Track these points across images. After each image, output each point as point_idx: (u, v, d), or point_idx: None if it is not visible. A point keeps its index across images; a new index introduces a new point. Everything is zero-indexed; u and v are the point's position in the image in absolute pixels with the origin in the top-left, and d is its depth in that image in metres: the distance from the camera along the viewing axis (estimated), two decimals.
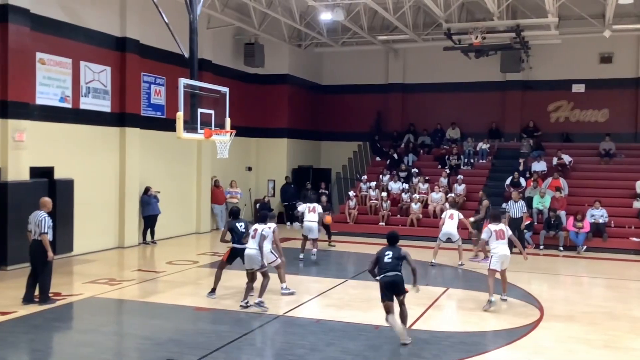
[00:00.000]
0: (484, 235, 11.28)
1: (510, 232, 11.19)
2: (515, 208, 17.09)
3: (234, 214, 11.51)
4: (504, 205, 18.91)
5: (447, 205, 17.75)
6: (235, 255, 11.12)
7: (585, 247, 17.42)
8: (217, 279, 11.25)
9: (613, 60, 22.93)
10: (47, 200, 10.77)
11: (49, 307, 10.32)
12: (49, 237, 10.39)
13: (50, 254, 10.35)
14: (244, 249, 10.61)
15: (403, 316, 8.80)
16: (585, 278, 14.85)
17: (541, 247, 17.64)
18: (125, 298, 11.51)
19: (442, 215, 15.88)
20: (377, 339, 8.93)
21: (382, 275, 8.67)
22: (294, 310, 10.45)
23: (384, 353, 8.31)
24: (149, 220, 17.56)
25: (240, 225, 11.13)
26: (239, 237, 10.97)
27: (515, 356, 8.38)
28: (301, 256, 15.29)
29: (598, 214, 17.84)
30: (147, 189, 17.40)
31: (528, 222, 17.78)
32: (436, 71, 24.62)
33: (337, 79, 26.37)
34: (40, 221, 10.35)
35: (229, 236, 11.12)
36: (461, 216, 15.45)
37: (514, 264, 15.05)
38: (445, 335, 9.27)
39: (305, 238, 15.52)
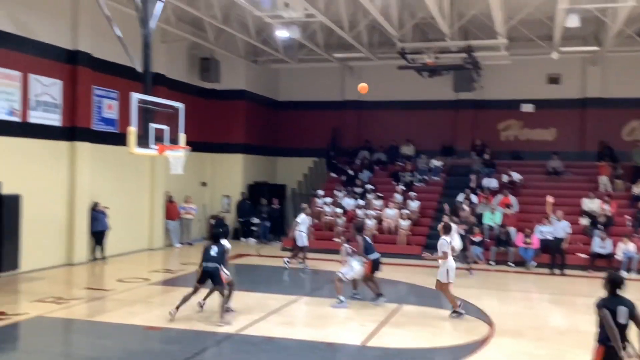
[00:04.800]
0: (446, 248, 11.35)
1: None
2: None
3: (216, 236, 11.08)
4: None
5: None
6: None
7: (534, 263, 17.82)
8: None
9: (560, 81, 23.71)
10: None
11: None
12: None
13: None
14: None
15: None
16: (534, 294, 15.17)
17: (492, 263, 17.97)
18: (73, 317, 11.20)
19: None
20: (329, 356, 8.92)
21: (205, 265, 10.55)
22: (247, 328, 10.34)
23: None
24: (97, 236, 17.18)
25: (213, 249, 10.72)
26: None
27: None
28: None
29: (546, 230, 18.25)
30: (95, 204, 17.04)
31: (479, 238, 18.10)
32: (391, 89, 24.95)
33: (294, 96, 26.47)
34: None
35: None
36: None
37: (464, 280, 15.37)
38: (397, 351, 9.32)
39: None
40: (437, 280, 11.49)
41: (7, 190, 14.29)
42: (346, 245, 12.37)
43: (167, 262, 18.51)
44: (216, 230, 12.00)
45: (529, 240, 17.87)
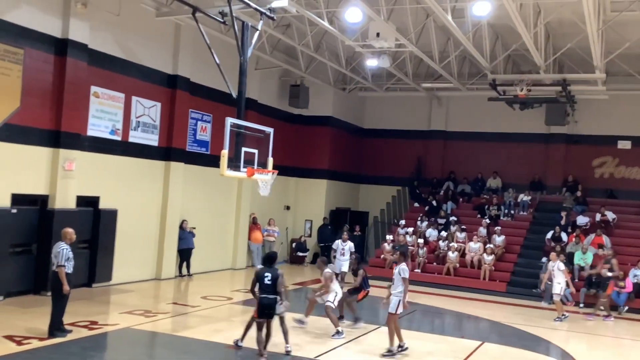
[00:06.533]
0: (407, 274, 10.52)
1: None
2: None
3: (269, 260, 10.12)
4: (544, 259, 18.59)
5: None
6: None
7: (627, 307, 16.89)
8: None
9: None
10: (68, 231, 10.37)
11: (69, 338, 10.22)
12: (68, 269, 10.11)
13: (65, 287, 10.01)
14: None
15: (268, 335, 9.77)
16: (626, 340, 14.35)
17: (581, 305, 17.16)
18: (159, 331, 11.63)
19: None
20: None
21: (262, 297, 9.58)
22: (325, 354, 10.38)
23: None
24: (183, 254, 17.80)
25: (267, 277, 9.66)
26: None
27: None
28: None
29: None
30: (182, 223, 17.68)
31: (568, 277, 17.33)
32: (479, 120, 24.59)
33: (379, 123, 26.54)
34: (59, 252, 10.07)
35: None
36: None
37: (550, 321, 14.76)
38: None
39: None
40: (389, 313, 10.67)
41: (105, 205, 15.16)
42: (327, 270, 12.19)
43: (249, 282, 18.79)
44: (271, 252, 10.93)
45: (622, 283, 16.96)
